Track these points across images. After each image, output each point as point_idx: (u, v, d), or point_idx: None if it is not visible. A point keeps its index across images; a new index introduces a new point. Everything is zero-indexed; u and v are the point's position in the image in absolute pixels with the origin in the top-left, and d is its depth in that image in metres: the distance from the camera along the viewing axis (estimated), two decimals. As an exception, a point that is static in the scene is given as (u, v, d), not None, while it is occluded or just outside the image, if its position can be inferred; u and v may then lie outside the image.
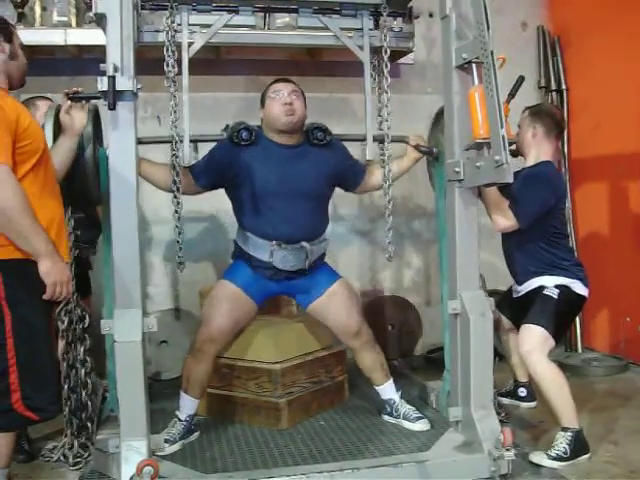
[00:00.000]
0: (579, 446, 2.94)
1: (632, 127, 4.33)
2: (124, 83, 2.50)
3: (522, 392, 3.64)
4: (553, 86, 5.04)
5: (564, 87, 5.00)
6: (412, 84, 4.84)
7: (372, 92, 3.32)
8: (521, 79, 3.48)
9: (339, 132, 4.51)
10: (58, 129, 2.76)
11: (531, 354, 3.04)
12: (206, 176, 3.25)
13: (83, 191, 2.93)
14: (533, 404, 3.58)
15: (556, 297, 3.13)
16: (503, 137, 2.46)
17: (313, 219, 3.31)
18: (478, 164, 2.67)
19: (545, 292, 3.16)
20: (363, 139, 3.44)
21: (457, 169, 2.82)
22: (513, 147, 3.29)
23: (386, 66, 3.28)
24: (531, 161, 3.30)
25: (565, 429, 2.96)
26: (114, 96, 2.43)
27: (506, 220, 3.12)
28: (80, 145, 2.80)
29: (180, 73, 3.09)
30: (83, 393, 3.11)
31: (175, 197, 3.13)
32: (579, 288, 3.19)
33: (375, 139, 3.40)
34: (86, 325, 3.17)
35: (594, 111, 4.72)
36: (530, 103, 4.90)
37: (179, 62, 3.09)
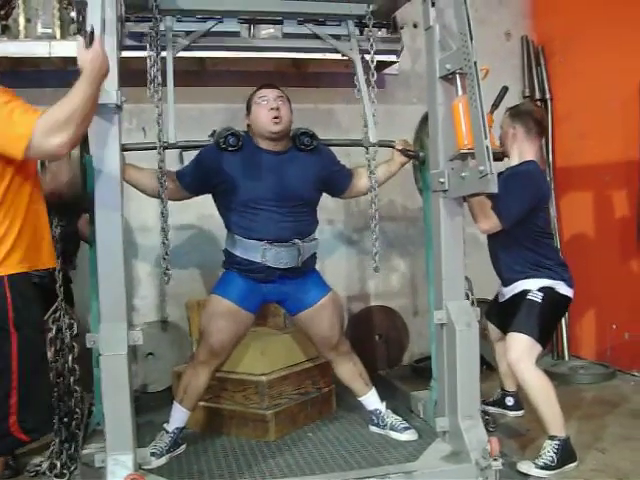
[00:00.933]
0: (566, 455, 2.95)
1: (616, 136, 4.37)
2: (108, 96, 2.48)
3: (509, 401, 3.64)
4: (537, 95, 5.08)
5: (548, 96, 5.04)
6: (397, 94, 4.86)
7: (355, 102, 3.31)
8: (504, 89, 3.49)
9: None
10: None
11: (519, 362, 3.05)
12: (193, 181, 3.23)
13: (69, 199, 2.88)
14: (520, 413, 3.58)
15: (540, 301, 3.14)
16: (487, 147, 2.47)
17: (302, 221, 3.28)
18: (463, 174, 2.68)
19: (529, 296, 3.17)
20: (352, 144, 3.46)
21: (442, 179, 2.83)
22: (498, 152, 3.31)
23: (372, 75, 3.28)
24: (515, 160, 3.33)
25: (552, 437, 2.97)
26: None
27: (489, 222, 3.14)
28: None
29: (165, 84, 3.09)
30: (72, 402, 3.10)
31: (162, 202, 3.10)
32: (563, 289, 3.20)
33: (362, 145, 3.38)
34: (74, 333, 3.16)
35: (579, 120, 4.76)
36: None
37: (163, 73, 3.09)
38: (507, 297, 3.35)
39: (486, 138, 2.49)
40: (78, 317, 3.36)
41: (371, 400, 3.41)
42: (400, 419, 3.33)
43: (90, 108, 2.22)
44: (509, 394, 3.63)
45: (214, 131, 3.29)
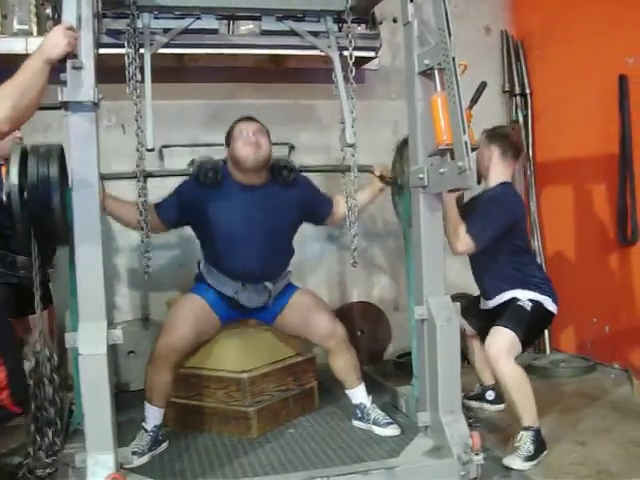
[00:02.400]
0: (540, 444, 2.99)
1: (596, 130, 4.39)
2: (84, 93, 2.46)
3: (490, 395, 3.67)
4: (517, 90, 5.09)
5: (528, 91, 5.06)
6: (377, 90, 4.84)
7: (334, 98, 3.31)
8: (483, 85, 3.50)
9: (305, 139, 4.55)
10: (25, 176, 2.70)
11: (499, 357, 3.06)
12: (172, 214, 3.28)
13: (50, 231, 2.84)
14: (501, 407, 3.60)
15: (529, 309, 3.18)
16: (466, 143, 2.47)
17: (278, 257, 3.40)
18: (442, 170, 2.67)
19: (519, 303, 3.21)
20: (332, 170, 3.49)
21: (421, 175, 2.83)
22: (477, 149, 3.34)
23: (351, 71, 3.27)
24: (491, 183, 3.38)
25: (527, 428, 3.00)
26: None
27: (462, 245, 3.18)
28: (46, 187, 2.73)
29: (143, 80, 3.07)
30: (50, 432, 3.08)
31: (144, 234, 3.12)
32: (549, 305, 3.25)
33: (340, 170, 3.46)
34: (54, 365, 3.13)
35: (558, 114, 4.77)
36: (495, 108, 5.02)
37: (142, 69, 3.07)
38: (492, 306, 3.37)
39: (465, 133, 2.48)
40: (55, 349, 3.34)
41: (358, 394, 3.41)
42: (383, 414, 3.33)
43: (33, 85, 2.25)
44: (488, 388, 3.66)
45: (193, 160, 3.35)
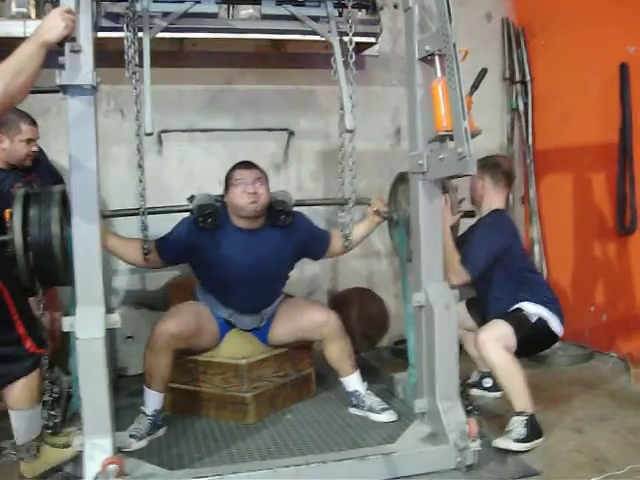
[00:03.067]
0: (534, 430, 2.99)
1: (597, 118, 4.37)
2: (83, 76, 2.45)
3: (487, 383, 3.67)
4: (518, 77, 5.06)
5: (528, 78, 5.03)
6: (377, 76, 4.81)
7: (335, 83, 3.30)
8: (483, 72, 3.49)
9: (305, 125, 4.53)
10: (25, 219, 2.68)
11: (487, 343, 3.06)
12: (171, 254, 3.34)
13: (51, 273, 2.79)
14: (498, 394, 3.60)
15: (533, 322, 3.18)
16: (465, 129, 2.46)
17: (274, 292, 3.51)
18: (441, 156, 2.67)
19: (524, 313, 3.20)
20: (332, 203, 3.70)
21: (420, 161, 2.82)
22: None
23: (351, 57, 3.24)
24: (484, 210, 3.45)
25: (520, 413, 3.01)
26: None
27: (456, 277, 3.22)
28: (47, 226, 2.69)
29: (142, 65, 3.05)
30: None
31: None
32: (555, 324, 3.23)
33: (338, 202, 3.54)
34: (56, 395, 3.18)
35: (559, 102, 4.76)
36: (495, 94, 5.02)
37: (141, 54, 3.05)
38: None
39: (465, 120, 2.48)
40: (60, 381, 3.38)
41: (353, 382, 3.43)
42: (379, 400, 3.34)
43: (28, 68, 2.24)
44: (486, 375, 3.65)
45: (192, 196, 3.37)
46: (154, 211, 3.28)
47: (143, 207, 3.12)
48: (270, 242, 3.33)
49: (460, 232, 3.58)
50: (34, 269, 2.66)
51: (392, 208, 3.53)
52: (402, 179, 3.41)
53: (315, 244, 3.54)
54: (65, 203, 2.76)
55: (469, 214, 3.57)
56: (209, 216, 3.24)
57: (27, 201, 2.71)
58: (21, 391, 2.68)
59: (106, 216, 3.07)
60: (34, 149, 3.44)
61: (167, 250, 3.30)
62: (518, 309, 3.23)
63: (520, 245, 3.57)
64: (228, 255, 3.26)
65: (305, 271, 4.58)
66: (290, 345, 3.55)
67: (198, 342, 3.33)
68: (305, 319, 3.39)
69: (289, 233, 3.39)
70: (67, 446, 2.84)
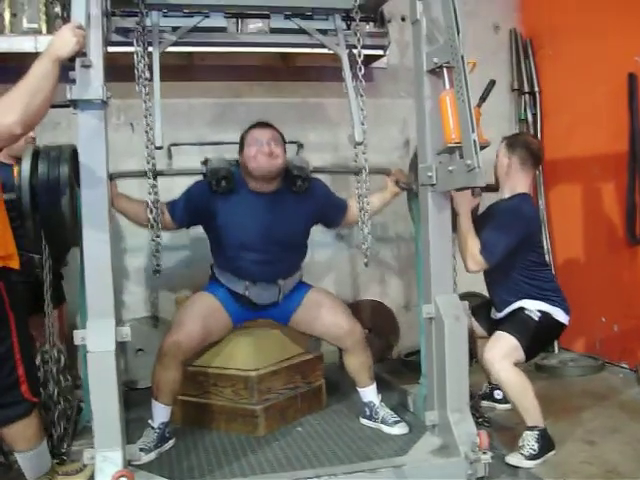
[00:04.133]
0: (546, 443, 2.97)
1: (605, 128, 4.37)
2: (93, 91, 2.47)
3: (498, 395, 3.65)
4: (526, 88, 5.07)
5: (537, 89, 5.04)
6: (385, 88, 4.83)
7: (343, 96, 3.31)
8: (492, 83, 3.49)
9: (314, 138, 4.53)
10: (35, 177, 2.71)
11: (495, 362, 3.04)
12: (183, 216, 3.27)
13: (60, 234, 2.86)
14: (509, 406, 3.57)
15: (537, 319, 3.14)
16: (474, 141, 2.47)
17: (290, 262, 3.37)
18: (450, 168, 2.67)
19: (527, 312, 3.17)
20: (346, 172, 3.47)
21: (430, 173, 2.83)
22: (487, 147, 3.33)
23: (359, 70, 3.26)
24: (507, 193, 3.31)
25: (531, 428, 2.99)
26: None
27: (475, 264, 3.13)
28: (56, 188, 2.74)
29: (152, 79, 3.07)
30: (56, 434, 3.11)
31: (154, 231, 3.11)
32: (560, 316, 3.20)
33: (353, 171, 3.43)
34: (62, 365, 3.17)
35: (567, 113, 4.76)
36: (504, 106, 5.02)
37: (150, 68, 3.07)
38: (501, 316, 3.34)
39: (473, 132, 2.48)
40: (64, 351, 3.33)
41: (369, 393, 3.42)
42: (392, 413, 3.34)
43: (44, 86, 2.24)
44: (497, 387, 3.63)
45: (207, 160, 3.30)
46: (164, 173, 3.22)
47: (150, 167, 3.07)
48: (285, 206, 3.25)
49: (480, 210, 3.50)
50: (42, 227, 2.64)
51: (411, 179, 3.43)
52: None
53: (331, 211, 3.47)
54: (75, 160, 2.74)
55: (491, 188, 3.34)
56: (223, 179, 3.17)
57: (36, 158, 2.71)
58: (20, 433, 2.57)
59: (114, 177, 3.03)
60: (32, 134, 3.39)
61: (178, 210, 3.24)
62: (520, 309, 3.20)
63: (540, 235, 3.48)
64: (242, 218, 3.19)
65: (318, 282, 4.57)
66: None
67: (210, 340, 3.31)
68: (328, 326, 3.34)
69: (306, 198, 3.31)
70: (80, 470, 2.83)
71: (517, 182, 3.28)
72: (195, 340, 3.18)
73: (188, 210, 3.26)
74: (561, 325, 3.24)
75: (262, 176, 3.18)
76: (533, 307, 3.17)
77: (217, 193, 3.19)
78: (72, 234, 2.79)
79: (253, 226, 3.20)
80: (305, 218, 3.36)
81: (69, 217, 2.76)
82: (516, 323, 3.15)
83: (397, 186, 3.42)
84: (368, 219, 3.34)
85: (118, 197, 3.14)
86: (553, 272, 4.48)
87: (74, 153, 2.80)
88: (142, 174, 3.11)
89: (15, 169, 2.73)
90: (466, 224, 3.15)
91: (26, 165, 2.71)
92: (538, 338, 3.16)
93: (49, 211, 2.74)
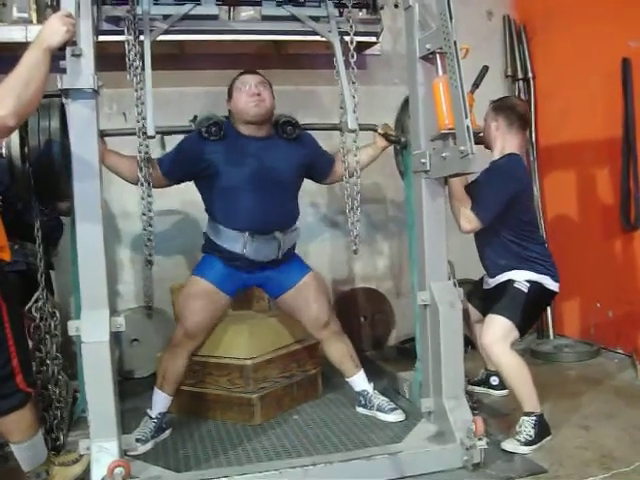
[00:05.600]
0: (542, 429, 2.99)
1: (599, 113, 4.36)
2: (84, 80, 2.45)
3: (494, 381, 3.66)
4: (519, 74, 5.06)
5: (530, 75, 5.03)
6: (379, 75, 4.82)
7: (336, 84, 3.29)
8: (485, 69, 3.48)
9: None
10: (25, 130, 2.69)
11: (493, 345, 3.06)
12: (175, 170, 3.22)
13: (51, 185, 2.83)
14: (505, 392, 3.59)
15: (526, 291, 3.14)
16: (468, 127, 2.46)
17: (284, 208, 3.31)
18: (444, 154, 2.67)
19: (515, 285, 3.16)
20: (332, 128, 3.45)
21: (423, 160, 2.82)
22: (481, 134, 3.32)
23: (352, 57, 3.24)
24: (497, 154, 3.32)
25: (528, 414, 3.00)
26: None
27: (468, 223, 3.13)
28: (47, 139, 2.72)
29: (143, 68, 3.05)
30: (57, 390, 3.11)
31: (144, 192, 3.05)
32: (549, 283, 3.20)
33: (344, 129, 3.36)
34: (57, 322, 3.15)
35: (561, 98, 4.75)
36: (497, 92, 4.97)
37: (142, 56, 3.05)
38: (492, 285, 3.34)
39: (467, 118, 2.48)
40: (60, 305, 3.33)
41: (359, 381, 3.43)
42: (387, 400, 3.34)
43: (36, 75, 2.22)
44: (493, 373, 3.65)
45: (195, 117, 3.28)
46: (152, 137, 3.06)
47: (140, 126, 3.00)
48: (277, 150, 3.25)
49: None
50: (33, 181, 2.62)
51: (400, 131, 3.43)
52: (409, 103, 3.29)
53: (320, 162, 3.45)
54: (63, 115, 2.73)
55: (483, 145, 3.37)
56: (213, 125, 3.16)
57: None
58: (14, 424, 2.54)
59: (105, 135, 3.00)
60: None
61: (170, 164, 3.21)
62: (509, 281, 3.19)
63: (530, 194, 3.48)
64: (234, 162, 3.17)
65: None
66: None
67: (217, 323, 3.34)
68: (308, 314, 3.35)
69: (296, 146, 3.31)
70: (77, 460, 2.81)
71: (505, 144, 3.29)
72: (203, 329, 3.25)
73: (180, 163, 3.21)
74: (550, 293, 3.25)
75: (252, 117, 3.17)
76: (521, 278, 3.17)
77: (208, 140, 3.17)
78: (64, 186, 2.75)
79: (245, 166, 3.18)
80: (297, 163, 3.32)
81: (61, 167, 2.72)
82: (505, 301, 3.14)
83: (387, 140, 3.42)
84: (357, 176, 3.33)
85: (108, 153, 3.08)
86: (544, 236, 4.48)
87: (62, 105, 2.79)
88: (132, 132, 3.03)
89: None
90: (457, 186, 3.15)
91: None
92: (529, 311, 3.16)
93: (40, 163, 2.70)
